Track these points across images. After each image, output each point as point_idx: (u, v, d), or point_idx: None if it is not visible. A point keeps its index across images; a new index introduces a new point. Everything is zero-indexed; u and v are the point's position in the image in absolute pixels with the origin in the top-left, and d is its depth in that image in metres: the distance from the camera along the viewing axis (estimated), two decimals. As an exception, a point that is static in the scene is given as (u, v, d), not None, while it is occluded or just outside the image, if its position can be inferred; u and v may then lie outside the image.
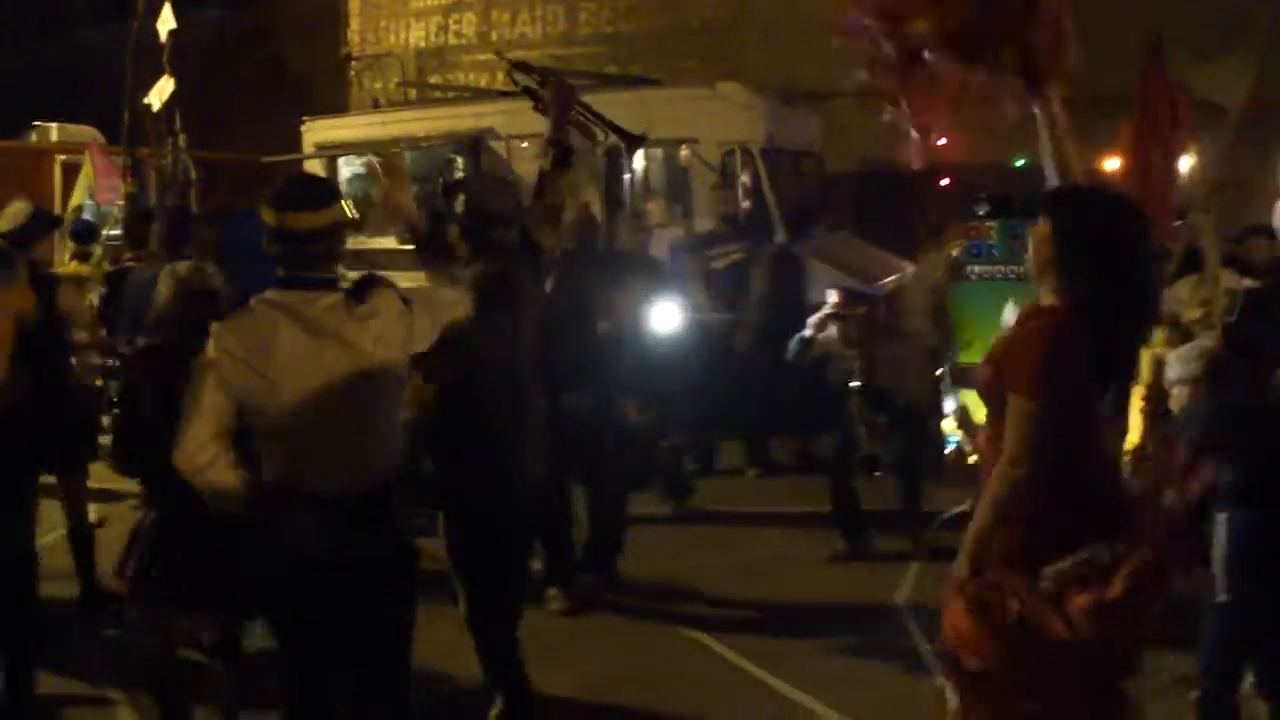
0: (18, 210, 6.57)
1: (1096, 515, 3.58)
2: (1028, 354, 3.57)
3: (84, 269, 10.66)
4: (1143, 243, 3.72)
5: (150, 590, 4.92)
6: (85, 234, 11.49)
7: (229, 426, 3.82)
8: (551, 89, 5.59)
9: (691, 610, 7.09)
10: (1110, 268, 3.59)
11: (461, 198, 5.07)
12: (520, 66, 5.71)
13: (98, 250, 11.53)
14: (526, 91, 5.69)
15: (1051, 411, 3.51)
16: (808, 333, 8.40)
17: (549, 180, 5.17)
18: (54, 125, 17.22)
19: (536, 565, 6.78)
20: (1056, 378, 3.52)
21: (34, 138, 17.13)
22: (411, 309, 3.99)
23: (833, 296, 8.44)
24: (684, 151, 12.24)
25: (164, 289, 5.04)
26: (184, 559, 4.77)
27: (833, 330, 8.29)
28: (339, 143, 15.04)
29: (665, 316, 8.63)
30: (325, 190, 4.20)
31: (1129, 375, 3.90)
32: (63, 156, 16.25)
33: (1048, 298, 3.70)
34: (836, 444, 8.23)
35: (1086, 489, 3.60)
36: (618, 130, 7.33)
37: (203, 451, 3.77)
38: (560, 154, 5.18)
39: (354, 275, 4.02)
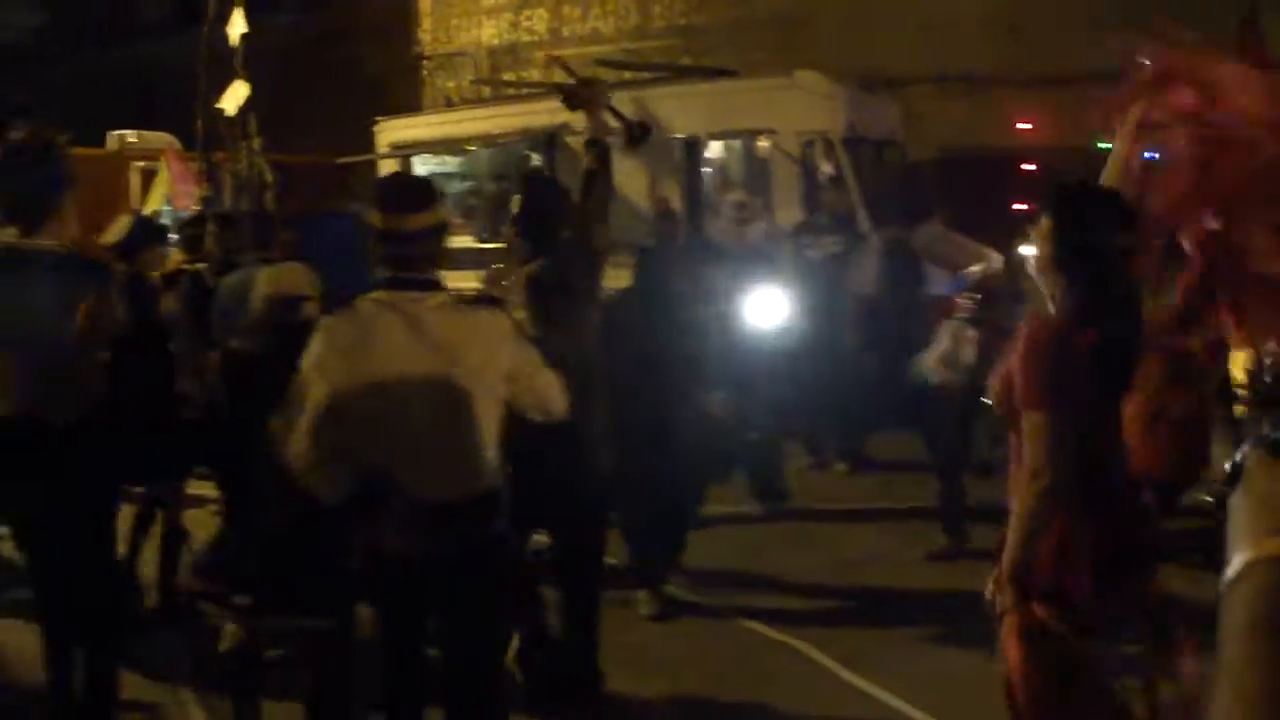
0: (123, 224, 7.07)
1: (1120, 529, 3.54)
2: (1031, 366, 3.49)
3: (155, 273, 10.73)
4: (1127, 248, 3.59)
5: (233, 590, 4.87)
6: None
7: (332, 424, 3.85)
8: (591, 92, 5.80)
9: (783, 609, 6.90)
10: (1096, 269, 3.53)
11: (516, 198, 5.35)
12: (562, 66, 5.83)
13: (173, 254, 11.59)
14: (557, 88, 5.79)
15: (1066, 417, 3.43)
16: (934, 377, 8.02)
17: (594, 179, 5.33)
18: (130, 132, 17.44)
19: (612, 560, 6.59)
20: (1064, 385, 3.44)
21: (111, 145, 17.30)
22: (521, 344, 4.13)
23: (965, 303, 8.14)
24: (762, 142, 12.05)
25: (256, 297, 5.08)
26: (267, 559, 4.71)
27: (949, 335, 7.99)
28: (413, 142, 15.04)
29: (761, 306, 8.46)
30: (431, 191, 4.26)
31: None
32: (140, 163, 16.51)
33: (1054, 292, 3.63)
34: (948, 442, 8.02)
35: (1109, 501, 3.54)
36: (628, 125, 7.35)
37: (306, 448, 3.86)
38: (601, 154, 5.36)
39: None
